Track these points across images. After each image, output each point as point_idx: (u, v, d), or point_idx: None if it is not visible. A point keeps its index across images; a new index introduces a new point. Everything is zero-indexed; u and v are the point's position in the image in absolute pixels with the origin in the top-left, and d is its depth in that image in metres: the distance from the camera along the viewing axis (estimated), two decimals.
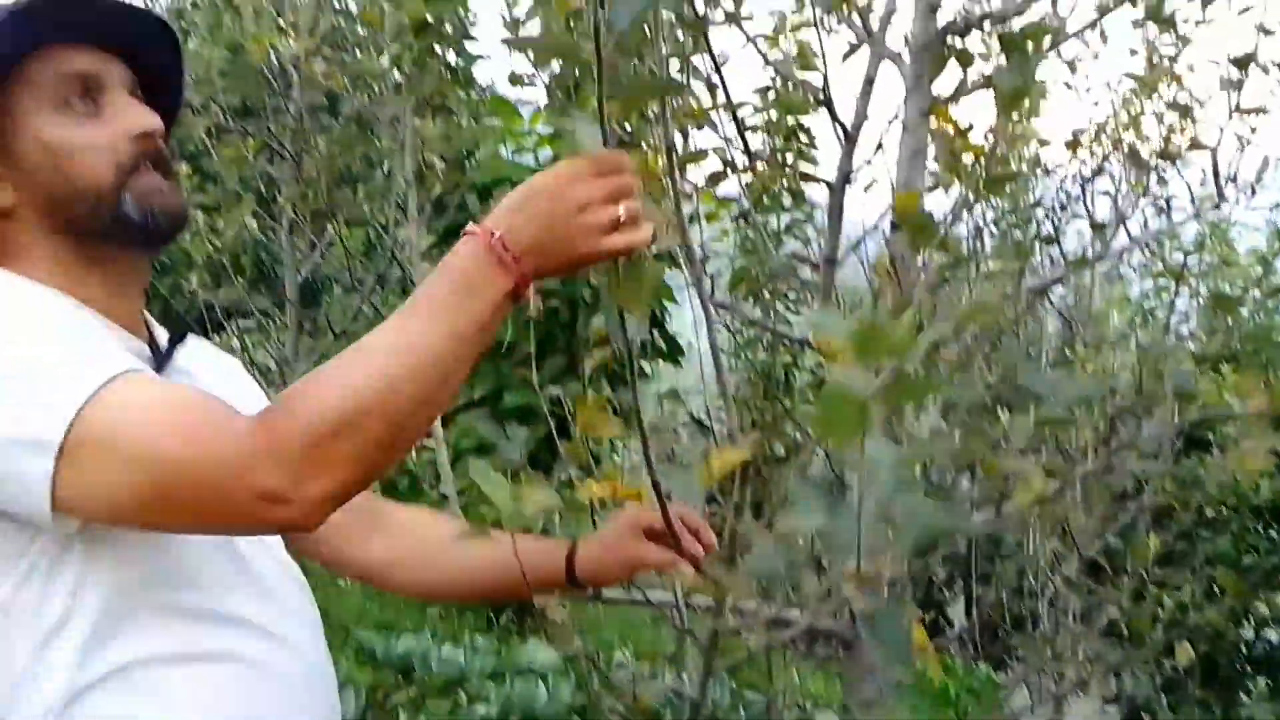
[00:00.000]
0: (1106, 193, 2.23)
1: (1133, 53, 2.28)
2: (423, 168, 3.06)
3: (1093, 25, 1.65)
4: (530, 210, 0.94)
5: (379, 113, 3.42)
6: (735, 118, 1.48)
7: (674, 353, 5.76)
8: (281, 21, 4.31)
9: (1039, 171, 4.19)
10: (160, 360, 1.06)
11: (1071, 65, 1.96)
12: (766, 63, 1.47)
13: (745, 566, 1.07)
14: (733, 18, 1.51)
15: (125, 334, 1.04)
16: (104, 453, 0.87)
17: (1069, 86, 2.21)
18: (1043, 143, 4.13)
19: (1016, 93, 1.12)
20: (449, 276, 0.93)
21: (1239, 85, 1.53)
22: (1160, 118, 1.92)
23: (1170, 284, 4.62)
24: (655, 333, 5.53)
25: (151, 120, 1.04)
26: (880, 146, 1.39)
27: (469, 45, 4.60)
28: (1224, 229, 4.88)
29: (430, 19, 3.05)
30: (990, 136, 1.23)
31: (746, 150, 1.46)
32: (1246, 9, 1.88)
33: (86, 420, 0.86)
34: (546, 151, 5.13)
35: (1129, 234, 2.21)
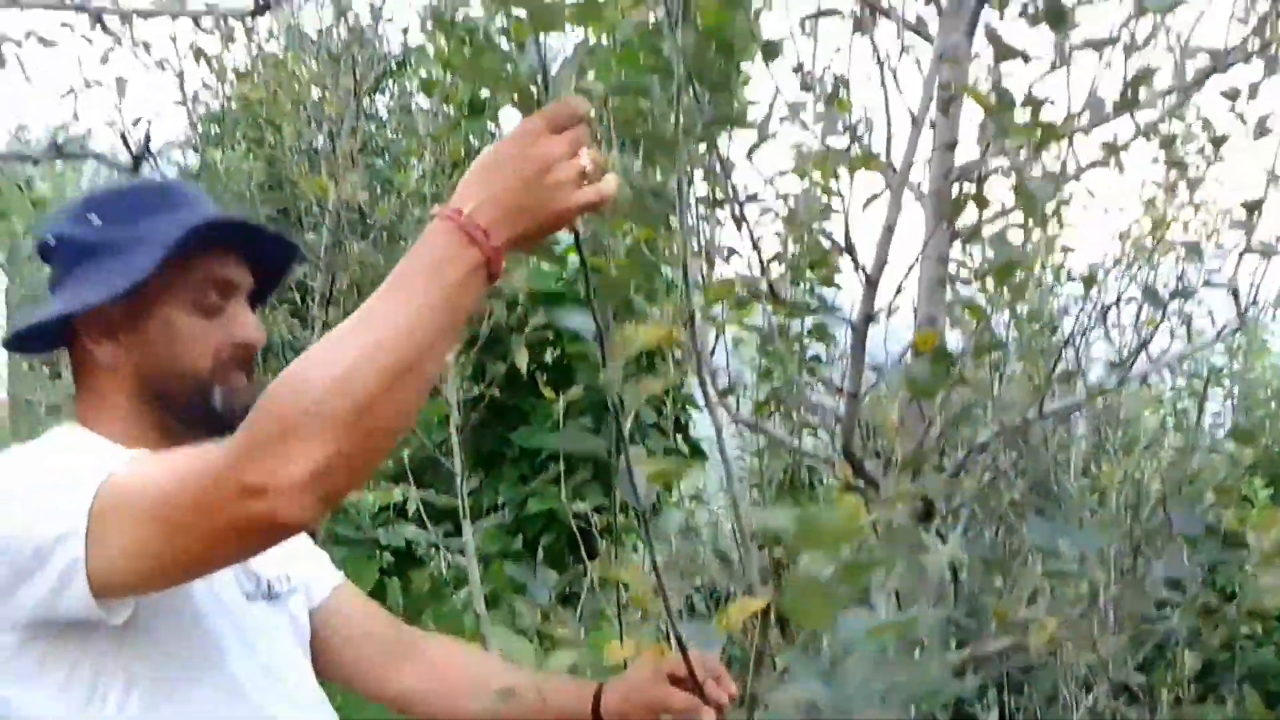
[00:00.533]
0: (1117, 326, 2.27)
1: (1146, 185, 2.35)
2: None
3: (1104, 163, 1.72)
4: (495, 181, 0.93)
5: (409, 224, 3.53)
6: (758, 252, 1.54)
7: (696, 456, 5.79)
8: (319, 137, 4.50)
9: (1062, 279, 4.25)
10: None
11: (1090, 192, 2.02)
12: (788, 211, 1.54)
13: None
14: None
15: None
16: (117, 516, 0.94)
17: (1087, 206, 2.25)
18: (1066, 250, 4.19)
19: (1008, 266, 1.17)
20: (417, 256, 0.93)
21: (1250, 229, 1.59)
22: (1175, 252, 1.99)
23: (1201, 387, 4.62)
24: (679, 438, 5.56)
25: (257, 335, 1.19)
26: (900, 290, 1.45)
27: None
28: (1256, 332, 4.89)
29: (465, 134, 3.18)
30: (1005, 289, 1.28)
31: (770, 287, 1.52)
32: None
33: (101, 498, 0.94)
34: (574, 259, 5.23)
35: (1149, 357, 2.24)
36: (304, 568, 1.35)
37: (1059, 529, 1.08)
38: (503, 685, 1.31)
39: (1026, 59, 1.27)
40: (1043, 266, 4.15)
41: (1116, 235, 2.69)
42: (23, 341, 1.22)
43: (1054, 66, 1.20)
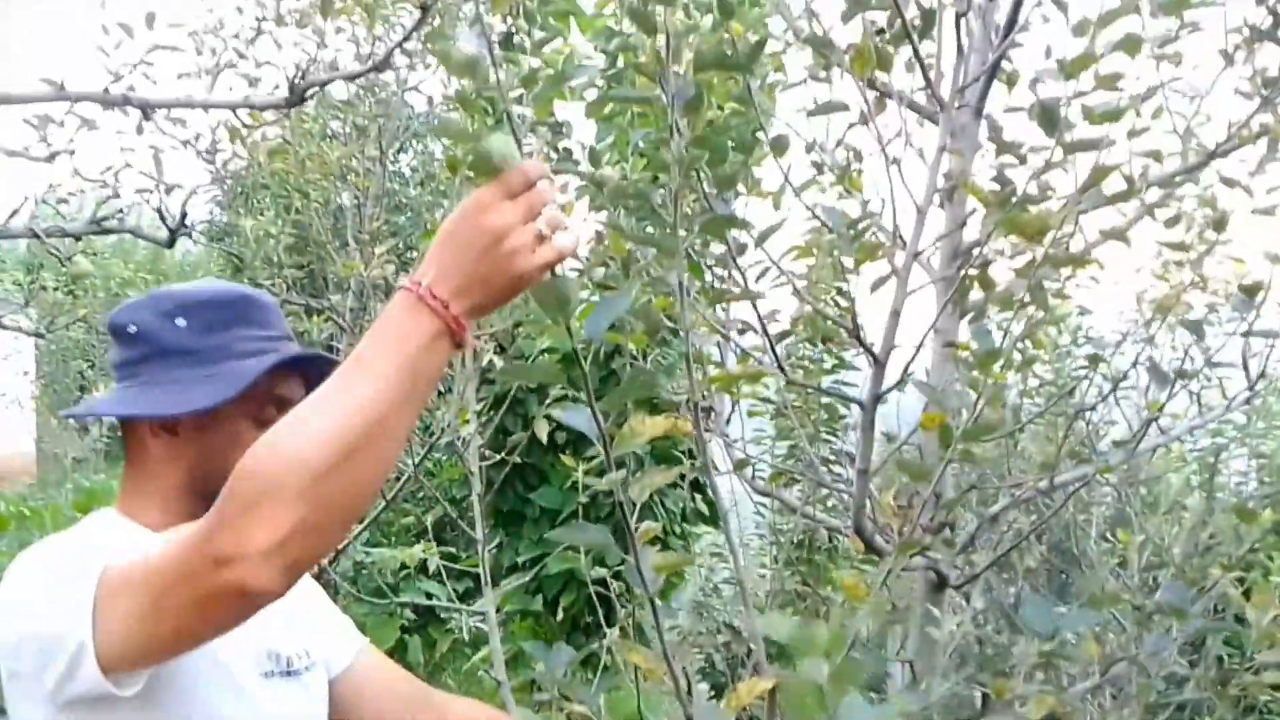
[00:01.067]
0: (1127, 399, 2.30)
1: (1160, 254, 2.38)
2: (474, 348, 3.20)
3: (1110, 238, 1.76)
4: (453, 252, 0.95)
5: None
6: (767, 336, 1.59)
7: (715, 517, 5.81)
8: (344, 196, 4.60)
9: (1079, 341, 4.26)
10: None
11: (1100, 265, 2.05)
12: (796, 293, 1.58)
13: None
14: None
15: None
16: (115, 593, 1.01)
17: (1096, 279, 2.29)
18: (1084, 311, 4.20)
19: (990, 356, 1.20)
20: (379, 328, 0.96)
21: (1249, 310, 1.62)
22: (1175, 331, 2.02)
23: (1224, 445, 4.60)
24: (697, 498, 5.59)
25: None
26: (909, 374, 1.49)
27: None
28: (1268, 404, 4.87)
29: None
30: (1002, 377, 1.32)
31: (779, 364, 1.56)
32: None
33: (104, 579, 1.01)
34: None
35: (1160, 430, 2.26)
36: (325, 641, 1.41)
37: (1050, 609, 1.11)
38: None
39: (1022, 160, 1.32)
40: (1058, 330, 4.18)
41: (1134, 298, 2.71)
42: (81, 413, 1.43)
43: (1048, 165, 1.24)
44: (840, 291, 1.59)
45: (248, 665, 1.22)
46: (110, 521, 1.23)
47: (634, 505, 0.95)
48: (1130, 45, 1.34)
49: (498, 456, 2.51)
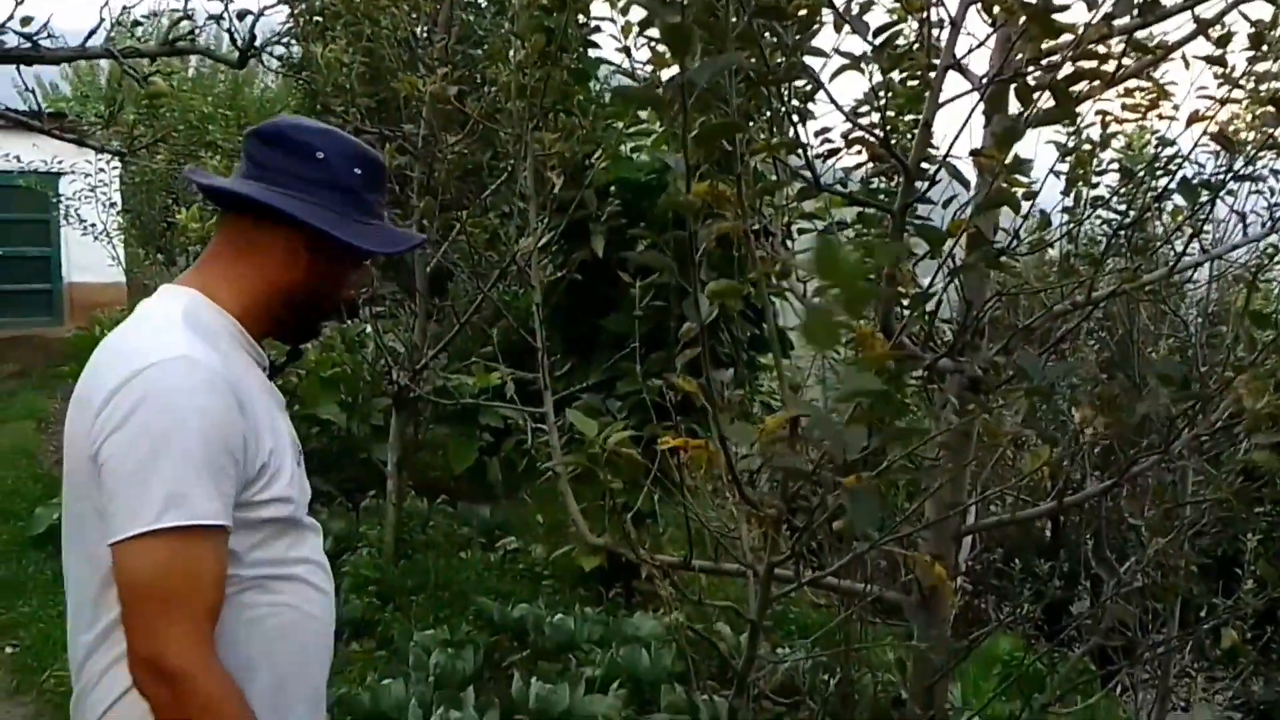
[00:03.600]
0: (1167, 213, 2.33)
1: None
2: (542, 173, 3.31)
3: (1154, 65, 1.78)
4: None
5: (502, 122, 3.68)
6: (807, 159, 1.67)
7: (783, 346, 5.93)
8: (418, 27, 4.64)
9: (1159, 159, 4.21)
10: (271, 373, 1.57)
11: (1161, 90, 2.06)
12: (839, 110, 1.65)
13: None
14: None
15: (256, 346, 1.53)
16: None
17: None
18: (1167, 142, 4.14)
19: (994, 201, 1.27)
20: None
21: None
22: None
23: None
24: (763, 328, 5.69)
25: (354, 293, 1.71)
26: (934, 181, 1.57)
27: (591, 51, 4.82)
28: None
29: (551, 29, 3.29)
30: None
31: (816, 180, 1.65)
32: None
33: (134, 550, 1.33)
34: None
35: (1202, 248, 2.30)
36: None
37: (1038, 360, 1.23)
38: None
39: None
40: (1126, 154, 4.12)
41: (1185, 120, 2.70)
42: (217, 194, 1.62)
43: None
44: (880, 108, 1.66)
45: (292, 462, 1.52)
46: (198, 305, 1.47)
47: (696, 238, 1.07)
48: None
49: (561, 273, 2.64)
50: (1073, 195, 2.35)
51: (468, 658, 3.88)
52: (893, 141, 1.59)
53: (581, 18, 4.23)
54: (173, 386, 1.34)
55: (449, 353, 6.35)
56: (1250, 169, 1.83)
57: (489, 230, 5.04)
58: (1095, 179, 2.53)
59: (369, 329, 5.88)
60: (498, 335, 3.58)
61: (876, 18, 1.85)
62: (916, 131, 1.49)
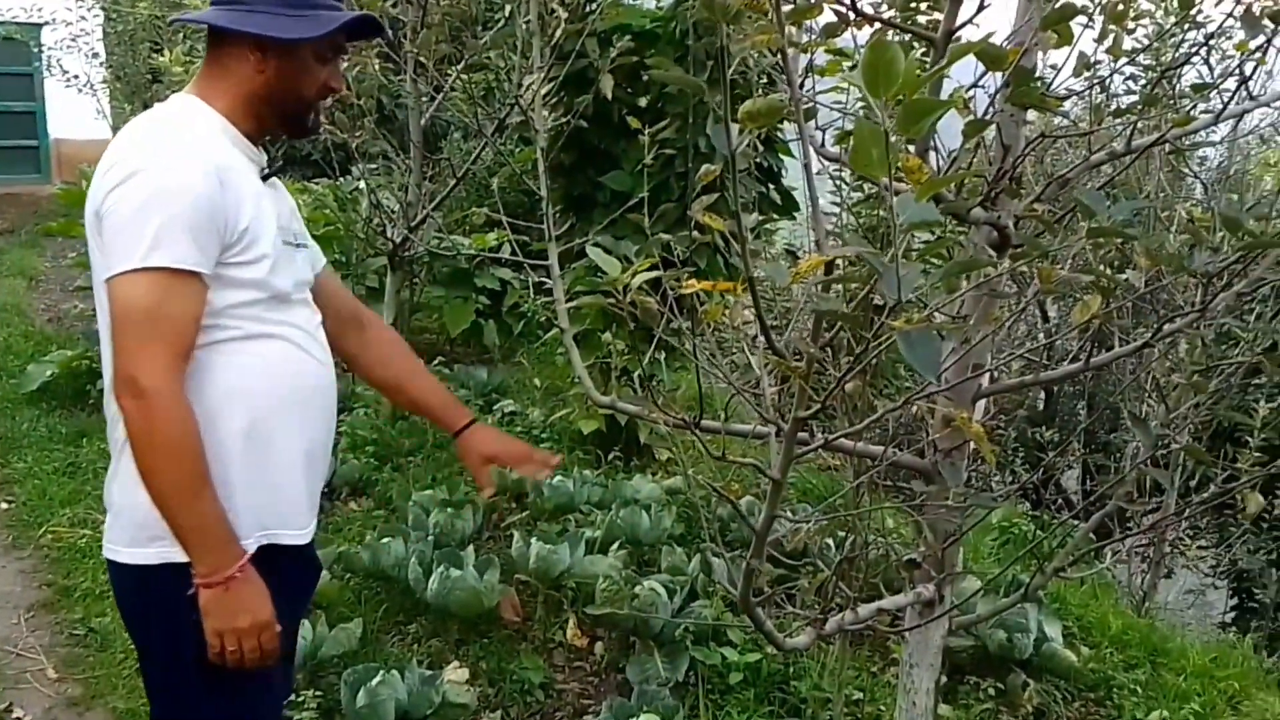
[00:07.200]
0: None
1: None
2: (545, 14, 3.12)
3: None
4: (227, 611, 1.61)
5: None
6: None
7: (789, 207, 5.76)
8: None
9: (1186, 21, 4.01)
10: (266, 175, 1.79)
11: None
12: None
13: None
14: None
15: (252, 148, 1.78)
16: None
17: None
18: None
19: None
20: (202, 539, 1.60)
21: None
22: None
23: None
24: (770, 187, 5.53)
25: (340, 83, 1.82)
26: (984, 6, 1.42)
27: None
28: None
29: None
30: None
31: (853, 6, 1.49)
32: None
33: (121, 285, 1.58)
34: None
35: (1249, 94, 2.16)
36: (310, 244, 1.94)
37: (1101, 197, 1.12)
38: (406, 371, 2.07)
39: None
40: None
41: None
42: (191, 25, 1.91)
43: None
44: None
45: (275, 236, 1.73)
46: (197, 109, 1.73)
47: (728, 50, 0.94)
48: None
49: (565, 119, 2.48)
50: (1110, 40, 2.18)
51: (467, 518, 3.86)
52: None
53: None
54: (167, 161, 1.59)
55: (444, 212, 6.18)
56: None
57: (485, 86, 4.84)
58: (1130, 25, 2.36)
59: (362, 184, 5.70)
60: (497, 189, 3.43)
61: None
62: None
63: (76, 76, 10.77)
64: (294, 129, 1.83)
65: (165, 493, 1.56)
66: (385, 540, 3.61)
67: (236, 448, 1.66)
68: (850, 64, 1.94)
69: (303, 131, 1.83)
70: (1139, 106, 2.01)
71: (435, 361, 6.45)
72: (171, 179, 1.58)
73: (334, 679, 2.87)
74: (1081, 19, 1.69)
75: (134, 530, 1.66)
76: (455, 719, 2.94)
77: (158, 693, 1.79)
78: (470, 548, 3.58)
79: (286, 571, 1.75)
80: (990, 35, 1.70)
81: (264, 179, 1.78)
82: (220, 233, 1.60)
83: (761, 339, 1.16)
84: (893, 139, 0.88)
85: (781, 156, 5.52)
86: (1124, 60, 2.31)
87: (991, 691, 3.28)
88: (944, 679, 3.13)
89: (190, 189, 1.57)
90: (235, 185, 1.65)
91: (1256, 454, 3.67)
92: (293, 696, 2.38)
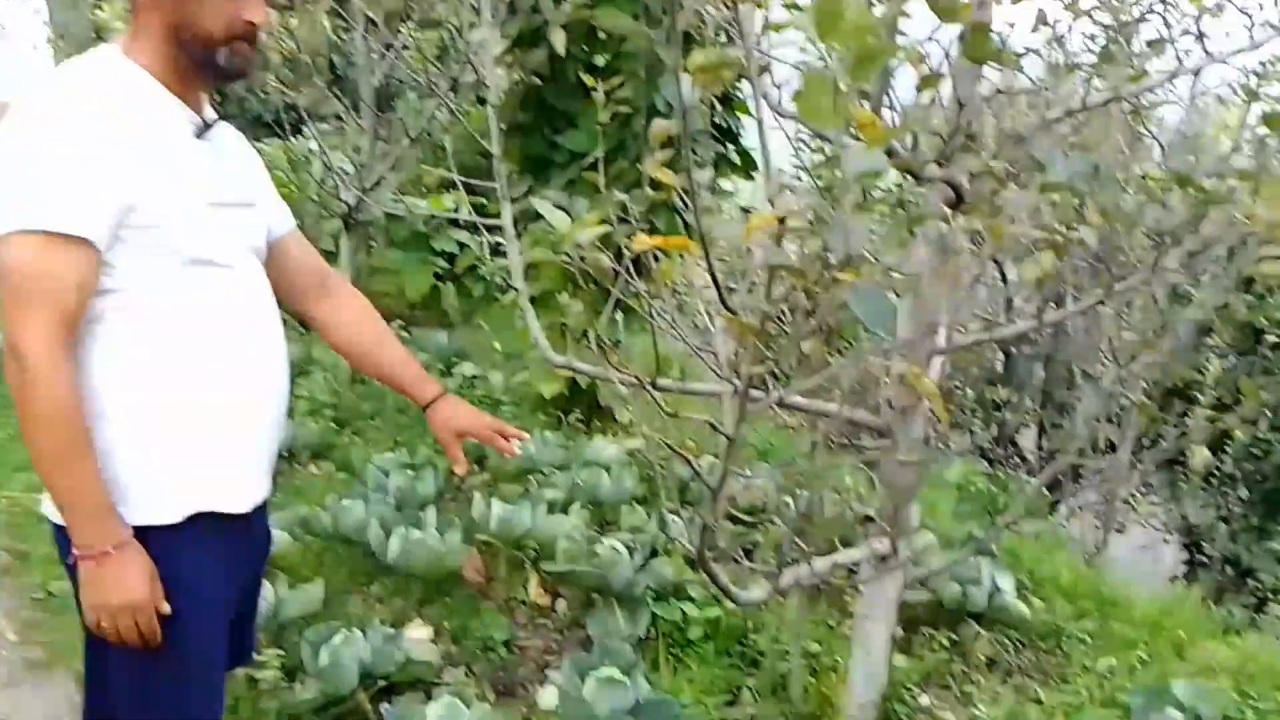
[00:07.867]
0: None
1: None
2: None
3: None
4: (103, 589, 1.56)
5: None
6: None
7: (747, 166, 5.76)
8: None
9: None
10: (201, 132, 1.67)
11: None
12: None
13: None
14: None
15: (183, 107, 1.64)
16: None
17: None
18: None
19: None
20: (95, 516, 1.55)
21: None
22: None
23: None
24: (729, 147, 5.52)
25: (262, 16, 1.63)
26: None
27: None
28: None
29: None
30: None
31: None
32: None
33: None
34: None
35: (1207, 52, 2.18)
36: (267, 207, 1.86)
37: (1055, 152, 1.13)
38: (374, 338, 2.00)
39: None
40: None
41: None
42: None
43: None
44: None
45: (197, 196, 1.63)
46: (115, 65, 1.60)
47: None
48: None
49: (518, 78, 2.45)
50: None
51: (427, 479, 3.85)
52: None
53: None
54: (60, 113, 1.51)
55: (399, 174, 6.11)
56: None
57: (439, 44, 4.77)
58: None
59: (314, 145, 5.62)
60: (451, 150, 3.39)
61: None
62: None
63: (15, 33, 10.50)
64: (209, 73, 1.64)
65: (39, 460, 1.52)
66: (346, 503, 3.60)
67: (154, 419, 1.60)
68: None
69: (220, 75, 1.65)
70: (1095, 64, 2.03)
71: (394, 324, 6.41)
72: (58, 130, 1.50)
73: (296, 639, 2.86)
74: None
75: None
76: (419, 676, 2.95)
77: (85, 647, 1.74)
78: (431, 509, 3.58)
79: (226, 542, 1.72)
80: None
81: (198, 135, 1.67)
82: (117, 190, 1.51)
83: (716, 297, 1.16)
84: (843, 88, 0.88)
85: (740, 116, 5.51)
86: (1081, 16, 2.32)
87: (946, 642, 3.34)
88: (900, 631, 3.19)
89: (83, 143, 1.49)
90: (142, 140, 1.55)
91: (1207, 411, 3.74)
92: (256, 656, 2.37)
